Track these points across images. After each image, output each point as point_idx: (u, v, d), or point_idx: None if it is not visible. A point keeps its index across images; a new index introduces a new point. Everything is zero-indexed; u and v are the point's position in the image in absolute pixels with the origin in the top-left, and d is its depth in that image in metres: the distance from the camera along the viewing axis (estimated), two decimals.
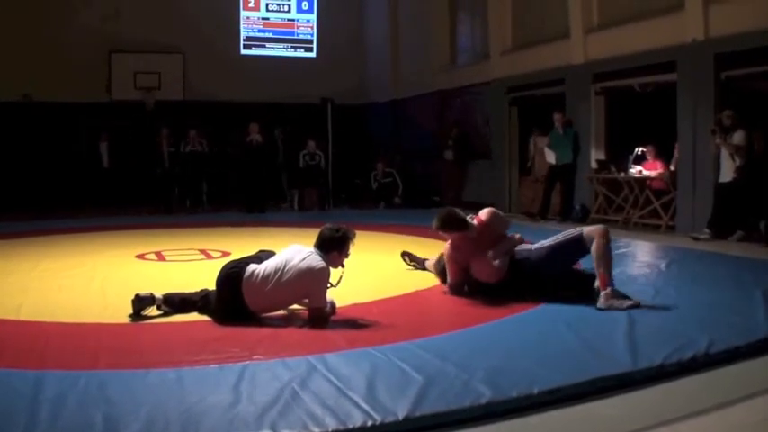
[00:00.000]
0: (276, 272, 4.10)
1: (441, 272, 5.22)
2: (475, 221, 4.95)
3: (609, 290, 4.38)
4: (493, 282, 4.80)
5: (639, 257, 6.90)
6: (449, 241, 5.00)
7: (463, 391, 2.93)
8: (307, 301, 4.24)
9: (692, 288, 5.21)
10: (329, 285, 4.18)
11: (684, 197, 8.99)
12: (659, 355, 3.41)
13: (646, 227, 9.48)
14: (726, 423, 2.85)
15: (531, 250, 4.82)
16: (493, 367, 3.25)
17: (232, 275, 4.17)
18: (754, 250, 7.29)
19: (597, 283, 4.49)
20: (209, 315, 4.27)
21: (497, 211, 5.17)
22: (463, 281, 4.96)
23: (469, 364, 3.29)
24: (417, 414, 2.72)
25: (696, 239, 8.09)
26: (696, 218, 8.66)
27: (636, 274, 5.96)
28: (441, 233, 5.02)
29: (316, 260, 4.11)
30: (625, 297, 4.46)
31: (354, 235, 4.32)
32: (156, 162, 12.78)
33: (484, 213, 4.99)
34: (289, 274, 4.08)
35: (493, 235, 4.90)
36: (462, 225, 4.90)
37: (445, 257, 5.04)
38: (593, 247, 4.47)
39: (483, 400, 2.85)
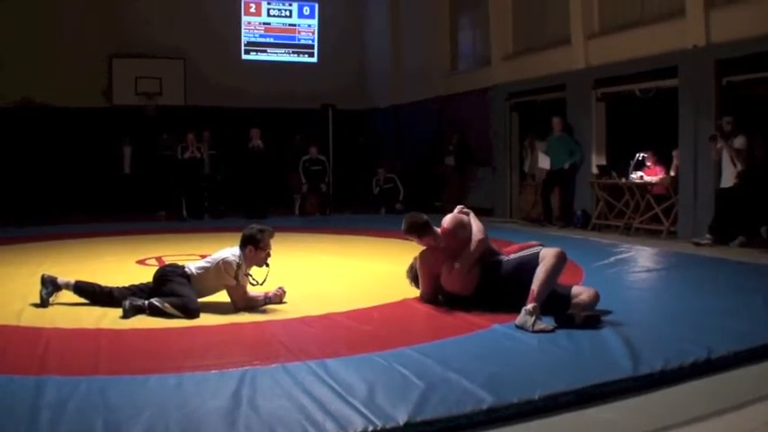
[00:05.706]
0: (206, 263, 4.85)
1: (413, 278, 5.13)
2: (439, 230, 4.86)
3: (531, 307, 4.15)
4: (464, 294, 4.72)
5: (641, 263, 6.90)
6: (419, 253, 4.95)
7: (464, 397, 2.93)
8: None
9: (693, 293, 5.21)
10: (255, 283, 4.82)
11: (686, 202, 8.99)
12: (660, 360, 3.40)
13: (647, 232, 9.48)
14: (727, 429, 2.85)
15: (501, 262, 4.70)
16: (494, 373, 3.24)
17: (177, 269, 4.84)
18: (755, 255, 7.30)
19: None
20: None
21: (460, 215, 4.89)
22: (436, 292, 4.89)
23: (470, 369, 3.28)
24: (418, 420, 2.71)
25: (697, 245, 8.09)
26: (697, 223, 8.66)
27: (637, 280, 5.97)
28: (408, 238, 4.95)
29: (225, 256, 4.74)
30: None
31: (270, 234, 4.84)
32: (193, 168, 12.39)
33: (446, 221, 4.83)
34: (208, 265, 4.81)
35: (460, 242, 4.74)
36: (424, 229, 4.85)
37: (418, 268, 4.99)
38: (541, 264, 4.36)
39: (484, 406, 2.85)
